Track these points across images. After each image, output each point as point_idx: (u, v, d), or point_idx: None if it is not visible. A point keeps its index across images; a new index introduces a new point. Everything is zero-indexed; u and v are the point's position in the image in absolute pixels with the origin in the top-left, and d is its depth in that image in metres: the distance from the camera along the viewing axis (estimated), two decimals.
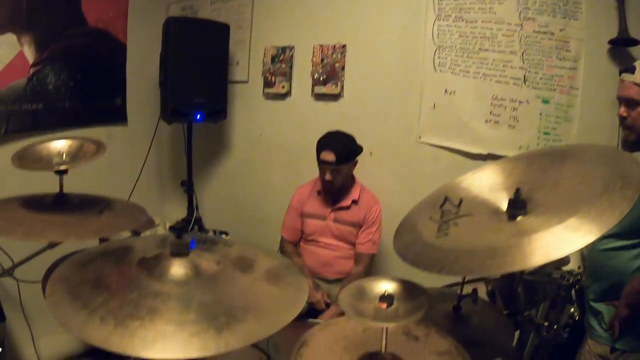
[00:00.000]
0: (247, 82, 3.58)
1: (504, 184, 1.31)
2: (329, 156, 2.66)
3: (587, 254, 1.89)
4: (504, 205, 1.21)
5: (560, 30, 2.66)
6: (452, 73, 2.92)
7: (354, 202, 2.81)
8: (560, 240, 0.97)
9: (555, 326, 1.56)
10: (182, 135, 3.42)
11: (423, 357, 1.21)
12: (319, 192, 2.88)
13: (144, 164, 3.47)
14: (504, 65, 2.80)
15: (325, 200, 2.86)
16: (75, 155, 1.61)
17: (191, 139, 3.36)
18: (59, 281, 1.09)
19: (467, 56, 2.87)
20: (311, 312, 2.64)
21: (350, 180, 2.86)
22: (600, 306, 1.78)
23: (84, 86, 3.12)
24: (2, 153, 2.62)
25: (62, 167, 1.52)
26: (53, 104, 2.97)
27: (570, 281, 1.62)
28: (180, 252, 1.11)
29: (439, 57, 2.94)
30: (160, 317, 0.95)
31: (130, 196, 3.28)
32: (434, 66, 2.95)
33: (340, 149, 2.67)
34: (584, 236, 0.96)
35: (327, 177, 2.69)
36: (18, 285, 2.59)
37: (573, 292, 1.77)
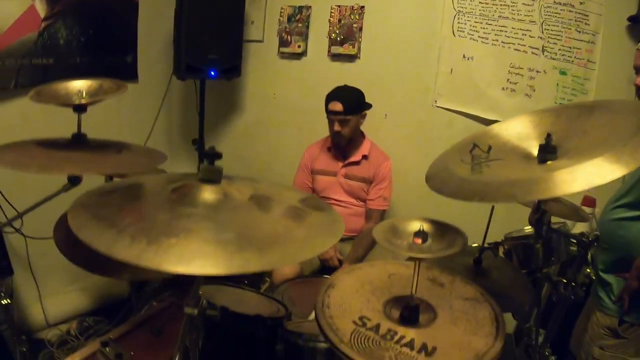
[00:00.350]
0: (262, 41, 3.55)
1: (532, 134, 1.30)
2: (337, 106, 2.69)
3: (599, 223, 1.88)
4: (534, 152, 1.20)
5: (580, 3, 2.65)
6: (470, 39, 2.89)
7: (364, 157, 2.83)
8: (601, 169, 0.96)
9: (573, 283, 1.55)
10: (194, 93, 3.39)
11: (450, 302, 1.20)
12: (329, 149, 2.91)
13: (154, 122, 3.45)
14: (522, 34, 2.79)
15: (335, 156, 2.89)
16: (94, 94, 1.58)
17: (204, 97, 3.33)
18: (81, 207, 1.00)
19: (486, 23, 2.85)
20: (324, 269, 2.67)
21: (360, 136, 2.89)
22: (609, 277, 1.76)
23: (95, 42, 3.07)
24: (12, 107, 2.61)
25: (82, 101, 1.49)
26: (64, 59, 2.92)
27: (590, 239, 1.61)
28: (211, 178, 1.06)
29: (458, 22, 2.91)
30: (197, 236, 0.90)
31: None
32: (453, 31, 2.93)
33: (347, 100, 2.71)
34: (623, 167, 0.95)
35: (336, 127, 2.72)
36: (26, 241, 2.58)
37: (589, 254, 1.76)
